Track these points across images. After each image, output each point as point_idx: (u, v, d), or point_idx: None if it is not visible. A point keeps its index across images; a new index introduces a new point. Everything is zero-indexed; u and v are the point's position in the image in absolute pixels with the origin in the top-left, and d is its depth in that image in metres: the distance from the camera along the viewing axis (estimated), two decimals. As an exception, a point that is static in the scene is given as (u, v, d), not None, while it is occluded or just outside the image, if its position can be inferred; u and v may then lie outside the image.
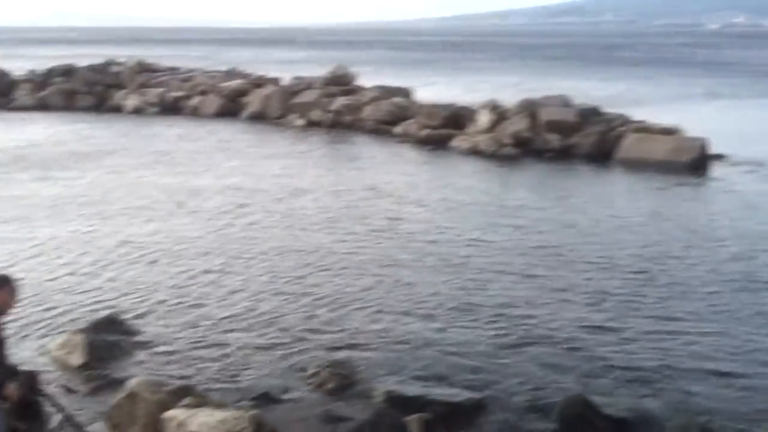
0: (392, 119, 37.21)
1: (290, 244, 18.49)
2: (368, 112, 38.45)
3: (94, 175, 26.68)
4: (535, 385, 11.47)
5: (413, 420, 10.07)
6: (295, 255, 17.64)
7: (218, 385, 11.33)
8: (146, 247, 18.14)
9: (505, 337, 13.12)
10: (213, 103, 43.64)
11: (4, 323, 7.36)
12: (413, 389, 11.17)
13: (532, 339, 13.06)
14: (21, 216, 20.87)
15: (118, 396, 10.16)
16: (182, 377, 11.40)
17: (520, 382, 11.55)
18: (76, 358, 12.16)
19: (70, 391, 11.23)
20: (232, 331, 13.37)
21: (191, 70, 51.34)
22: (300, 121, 39.91)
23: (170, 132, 37.49)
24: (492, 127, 32.74)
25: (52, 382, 11.21)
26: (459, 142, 32.85)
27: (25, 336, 12.87)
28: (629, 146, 30.10)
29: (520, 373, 11.86)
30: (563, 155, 30.87)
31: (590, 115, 32.96)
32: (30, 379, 7.54)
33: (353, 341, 12.97)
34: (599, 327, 13.57)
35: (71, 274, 16.24)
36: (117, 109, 45.15)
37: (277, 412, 9.97)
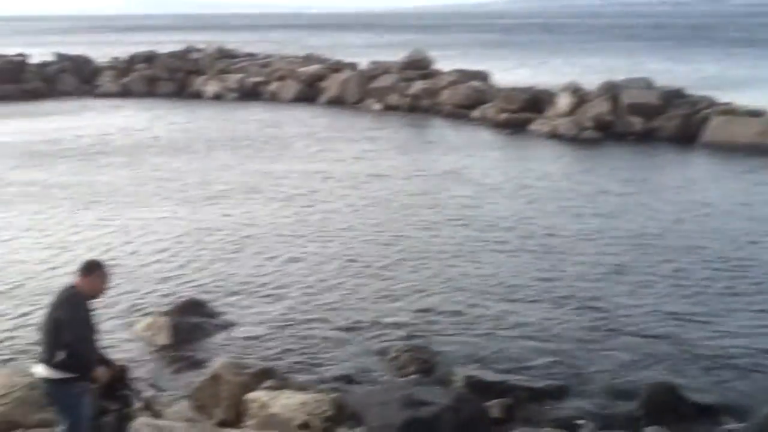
0: (470, 103, 36.94)
1: (369, 229, 18.50)
2: (446, 96, 38.25)
3: (177, 161, 27.13)
4: (619, 373, 11.29)
5: (495, 405, 10.00)
6: (373, 240, 17.66)
7: (299, 368, 11.42)
8: (229, 231, 18.37)
9: (589, 325, 12.92)
10: (291, 88, 43.94)
11: (94, 307, 7.50)
12: (494, 375, 11.09)
13: (617, 327, 12.82)
14: (107, 201, 21.34)
15: (202, 377, 10.33)
16: (264, 360, 11.51)
17: (604, 369, 11.37)
18: (161, 339, 12.40)
19: (155, 371, 11.45)
20: (312, 315, 13.44)
21: (269, 56, 51.77)
22: (377, 106, 39.93)
23: (250, 117, 37.87)
24: (572, 111, 32.24)
25: (137, 363, 11.45)
26: (538, 125, 32.44)
27: (112, 318, 13.13)
28: (715, 129, 29.30)
29: (604, 360, 11.67)
30: (646, 139, 30.23)
31: (674, 97, 32.17)
32: (121, 371, 7.69)
33: (433, 327, 12.92)
34: (686, 316, 13.24)
35: (156, 257, 16.54)
36: (197, 95, 45.80)
37: (358, 396, 10.00)
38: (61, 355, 7.05)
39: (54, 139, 31.25)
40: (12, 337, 12.47)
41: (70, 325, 7.08)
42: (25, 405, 8.88)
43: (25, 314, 13.21)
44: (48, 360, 7.17)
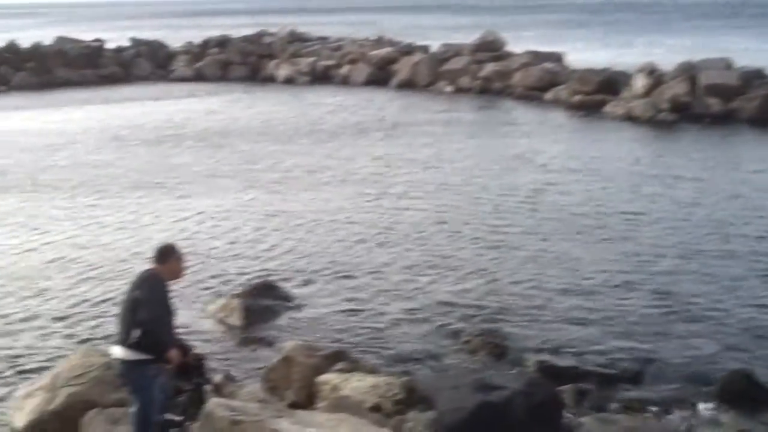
0: (543, 85, 36.48)
1: (441, 214, 18.35)
2: (518, 78, 37.85)
3: (250, 146, 27.38)
4: (695, 360, 11.03)
5: (567, 390, 9.87)
6: (446, 225, 17.53)
7: (370, 351, 11.42)
8: (301, 216, 18.45)
9: (665, 313, 12.62)
10: (362, 71, 43.92)
11: (171, 290, 7.57)
12: (566, 360, 10.98)
13: (694, 315, 12.50)
14: (182, 186, 21.66)
15: (274, 359, 10.40)
16: (335, 342, 11.54)
17: (680, 357, 11.12)
18: (234, 321, 12.54)
19: (227, 353, 11.59)
20: (384, 299, 13.44)
21: (341, 39, 51.78)
22: (449, 88, 39.72)
23: (322, 101, 37.92)
24: (648, 92, 31.57)
25: (210, 344, 11.61)
26: (613, 107, 31.87)
27: (186, 299, 13.30)
28: (797, 110, 28.41)
29: (679, 347, 11.40)
30: (724, 120, 29.41)
31: (754, 77, 31.27)
32: (197, 359, 7.78)
33: (505, 312, 12.79)
34: (766, 304, 12.84)
35: (230, 241, 16.71)
36: (269, 79, 46.04)
37: (429, 379, 9.99)
38: (136, 333, 7.15)
39: (133, 125, 31.76)
40: (93, 319, 12.73)
41: (146, 304, 7.18)
42: (101, 384, 9.03)
43: (106, 298, 13.47)
44: (124, 340, 7.28)
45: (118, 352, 7.40)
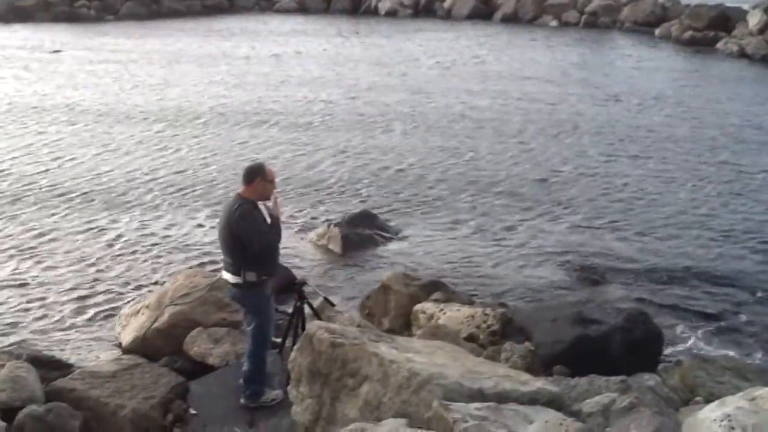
0: (653, 20, 35.39)
1: (543, 153, 18.07)
2: (626, 13, 36.76)
3: (361, 82, 27.35)
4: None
5: (667, 326, 9.71)
6: (548, 164, 17.33)
7: (468, 283, 11.41)
8: (402, 150, 18.47)
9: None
10: (466, 4, 43.18)
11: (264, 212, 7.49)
12: (667, 298, 10.79)
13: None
14: (291, 117, 21.83)
15: (372, 287, 10.49)
16: (432, 272, 11.52)
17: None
18: (333, 249, 12.69)
19: (326, 279, 11.74)
20: (483, 232, 13.41)
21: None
22: (554, 23, 38.88)
23: (433, 39, 37.40)
24: (764, 29, 30.27)
25: (310, 271, 11.78)
26: (725, 45, 30.69)
27: (287, 227, 13.41)
28: None
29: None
30: None
31: None
32: (299, 285, 7.89)
33: (607, 249, 12.61)
34: None
35: (331, 171, 16.83)
36: (372, 12, 45.64)
37: (526, 312, 9.92)
38: (251, 275, 7.18)
39: (244, 56, 31.99)
40: (201, 242, 12.98)
41: (251, 240, 7.10)
42: (205, 305, 9.22)
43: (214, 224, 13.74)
44: (237, 274, 7.24)
45: (231, 278, 7.34)
